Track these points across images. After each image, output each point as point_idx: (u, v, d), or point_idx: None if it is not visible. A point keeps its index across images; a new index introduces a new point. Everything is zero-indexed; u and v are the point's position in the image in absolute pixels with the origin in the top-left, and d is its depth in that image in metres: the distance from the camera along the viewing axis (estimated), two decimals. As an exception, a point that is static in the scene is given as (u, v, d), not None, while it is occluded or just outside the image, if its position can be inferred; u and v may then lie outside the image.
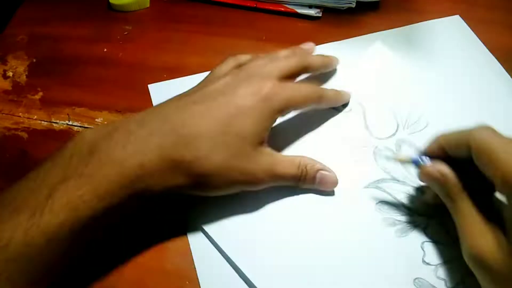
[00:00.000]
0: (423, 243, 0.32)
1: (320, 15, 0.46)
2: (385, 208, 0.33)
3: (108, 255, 0.32)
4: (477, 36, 0.44)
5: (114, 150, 0.27)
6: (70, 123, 0.39)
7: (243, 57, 0.36)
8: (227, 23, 0.46)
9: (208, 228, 0.32)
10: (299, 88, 0.34)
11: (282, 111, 0.32)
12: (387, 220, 0.33)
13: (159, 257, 0.32)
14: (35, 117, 0.40)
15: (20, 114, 0.40)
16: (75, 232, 0.25)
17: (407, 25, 0.45)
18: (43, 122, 0.39)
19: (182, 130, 0.28)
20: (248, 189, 0.31)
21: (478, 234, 0.26)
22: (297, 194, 0.34)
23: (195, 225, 0.33)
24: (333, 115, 0.38)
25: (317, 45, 0.41)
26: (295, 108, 0.33)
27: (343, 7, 0.46)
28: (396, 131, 0.37)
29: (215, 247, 0.32)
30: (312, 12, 0.46)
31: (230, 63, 0.36)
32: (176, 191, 0.29)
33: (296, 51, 0.38)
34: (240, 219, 0.32)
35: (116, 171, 0.26)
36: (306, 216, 0.33)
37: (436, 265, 0.31)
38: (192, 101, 0.30)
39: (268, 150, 0.32)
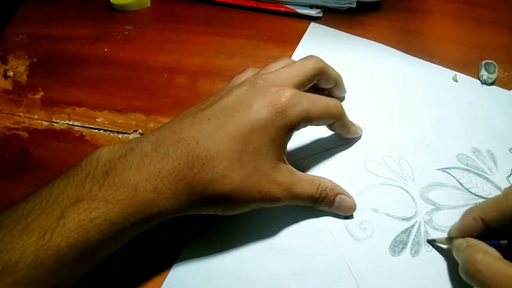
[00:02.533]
0: None
1: (320, 15, 0.46)
2: None
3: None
4: (479, 38, 0.44)
5: (128, 173, 0.27)
6: (71, 123, 0.39)
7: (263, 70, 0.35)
8: (228, 23, 0.46)
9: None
10: (319, 100, 0.32)
11: (298, 123, 0.30)
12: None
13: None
14: (36, 116, 0.40)
15: (21, 113, 0.40)
16: (84, 254, 0.25)
17: (407, 25, 0.45)
18: (43, 122, 0.39)
19: (197, 151, 0.28)
20: (266, 207, 0.30)
21: None
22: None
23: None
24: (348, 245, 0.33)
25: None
26: (312, 122, 0.31)
27: (343, 7, 0.46)
28: (415, 206, 0.34)
29: None
30: (312, 12, 0.46)
31: (249, 73, 0.35)
32: (191, 213, 0.29)
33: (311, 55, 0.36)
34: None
35: (130, 196, 0.26)
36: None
37: None
38: (207, 117, 0.29)
39: (286, 167, 0.31)
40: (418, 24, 0.45)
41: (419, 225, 0.33)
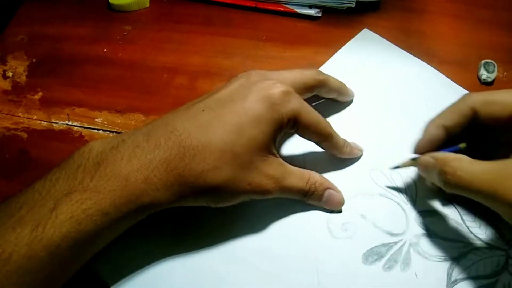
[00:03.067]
0: None
1: (320, 15, 0.46)
2: None
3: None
4: (479, 38, 0.44)
5: (120, 164, 0.27)
6: (70, 123, 0.39)
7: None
8: (227, 23, 0.46)
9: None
10: (312, 110, 0.32)
11: (288, 120, 0.30)
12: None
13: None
14: (35, 117, 0.40)
15: (20, 114, 0.40)
16: (77, 245, 0.25)
17: (406, 25, 0.45)
18: (43, 122, 0.39)
19: (188, 141, 0.28)
20: (256, 199, 0.30)
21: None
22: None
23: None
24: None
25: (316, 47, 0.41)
26: (300, 126, 0.31)
27: (343, 7, 0.46)
28: (406, 221, 0.34)
29: None
30: (312, 12, 0.46)
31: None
32: (182, 204, 0.29)
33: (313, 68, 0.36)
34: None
35: (121, 186, 0.26)
36: None
37: None
38: (202, 108, 0.30)
39: (277, 160, 0.31)
40: (418, 24, 0.45)
41: (403, 244, 0.32)
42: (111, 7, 0.47)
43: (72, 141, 0.38)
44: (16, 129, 0.39)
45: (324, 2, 0.45)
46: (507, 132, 0.29)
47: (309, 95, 0.35)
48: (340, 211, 0.33)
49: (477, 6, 0.46)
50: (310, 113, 0.31)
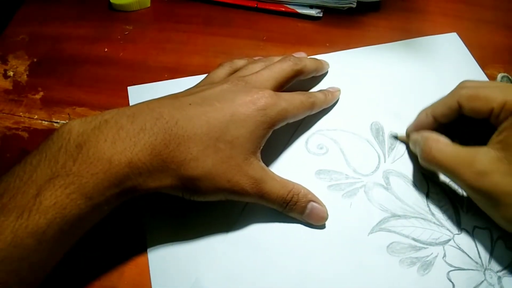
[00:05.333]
0: (448, 273, 0.31)
1: (321, 15, 0.46)
2: (398, 249, 0.32)
3: (108, 255, 0.32)
4: (479, 38, 0.44)
5: (103, 146, 0.26)
6: (71, 123, 0.39)
7: (239, 62, 0.37)
8: (228, 23, 0.46)
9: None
10: (293, 98, 0.33)
11: (277, 121, 0.32)
12: (405, 261, 0.31)
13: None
14: (36, 116, 0.40)
15: (21, 113, 0.40)
16: (63, 230, 0.25)
17: (407, 25, 0.45)
18: (43, 121, 0.39)
19: (175, 130, 0.28)
20: (234, 199, 0.30)
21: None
22: (293, 252, 0.32)
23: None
24: (311, 160, 0.36)
25: (314, 47, 0.41)
26: (289, 119, 0.33)
27: (344, 7, 0.46)
28: (379, 161, 0.36)
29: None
30: (313, 12, 0.46)
31: (226, 68, 0.36)
32: (163, 191, 0.29)
33: (289, 56, 0.37)
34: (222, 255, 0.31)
35: (104, 169, 0.26)
36: (309, 277, 0.31)
37: None
38: (188, 102, 0.30)
39: (259, 164, 0.31)
40: (418, 24, 0.45)
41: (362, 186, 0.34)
42: (112, 7, 0.47)
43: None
44: (17, 129, 0.39)
45: (325, 2, 0.46)
46: (488, 122, 0.31)
47: (289, 84, 0.36)
48: (323, 227, 0.33)
49: (478, 6, 0.47)
50: (294, 103, 0.33)
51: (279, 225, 0.33)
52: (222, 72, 0.36)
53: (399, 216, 0.33)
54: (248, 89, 0.32)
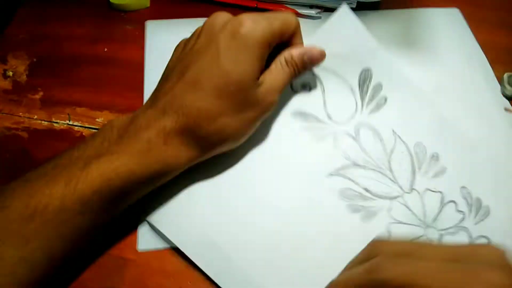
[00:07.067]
0: (388, 225, 0.33)
1: (320, 15, 0.46)
2: (349, 194, 0.34)
3: (108, 255, 0.32)
4: (473, 33, 0.44)
5: (140, 132, 0.29)
6: (71, 123, 0.39)
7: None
8: (228, 23, 0.46)
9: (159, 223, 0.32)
10: (275, 14, 0.33)
11: (266, 41, 0.31)
12: (351, 207, 0.33)
13: (160, 257, 0.32)
14: (36, 117, 0.40)
15: (21, 114, 0.40)
16: (107, 200, 0.28)
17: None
18: (43, 122, 0.39)
19: (188, 103, 0.30)
20: (268, 115, 0.33)
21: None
22: (260, 182, 0.34)
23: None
24: (291, 99, 0.37)
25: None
26: (277, 37, 0.32)
27: (343, 7, 0.46)
28: (355, 112, 0.37)
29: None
30: (312, 12, 0.46)
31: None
32: (205, 157, 0.32)
33: None
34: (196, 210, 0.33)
35: (145, 149, 0.29)
36: (268, 206, 0.33)
37: None
38: (185, 65, 0.31)
39: (264, 77, 0.32)
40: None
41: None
42: (111, 7, 0.47)
43: (73, 141, 0.38)
44: (16, 129, 0.39)
45: (325, 2, 0.46)
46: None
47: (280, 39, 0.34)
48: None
49: (478, 6, 0.47)
50: (277, 19, 0.32)
51: (244, 159, 0.35)
52: (199, 27, 0.34)
53: (359, 165, 0.35)
54: (225, 24, 0.31)
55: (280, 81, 0.33)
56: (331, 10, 0.46)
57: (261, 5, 0.46)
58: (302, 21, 0.41)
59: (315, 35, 0.37)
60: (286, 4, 0.46)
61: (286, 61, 0.33)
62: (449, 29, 0.44)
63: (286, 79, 0.33)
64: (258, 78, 0.32)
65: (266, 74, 0.33)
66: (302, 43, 0.35)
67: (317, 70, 0.37)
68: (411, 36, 0.42)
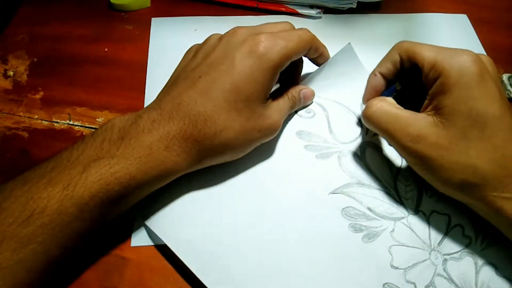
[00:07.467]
0: (390, 247, 0.32)
1: (321, 15, 0.46)
2: (351, 213, 0.33)
3: (108, 255, 0.32)
4: (479, 38, 0.44)
5: (142, 136, 0.29)
6: (71, 122, 0.39)
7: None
8: (228, 23, 0.46)
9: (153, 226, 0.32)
10: (290, 34, 0.33)
11: (280, 62, 0.32)
12: (354, 226, 0.32)
13: (159, 257, 0.32)
14: (36, 116, 0.40)
15: (21, 113, 0.40)
16: (105, 205, 0.28)
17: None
18: (44, 121, 0.39)
19: (196, 109, 0.30)
20: (268, 140, 0.34)
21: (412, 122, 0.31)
22: (261, 195, 0.33)
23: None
24: (296, 121, 0.37)
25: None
26: (292, 57, 0.33)
27: (344, 8, 0.46)
28: (360, 134, 0.36)
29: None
30: (313, 12, 0.46)
31: (218, 34, 0.35)
32: (202, 166, 0.32)
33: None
34: (196, 221, 0.32)
35: (146, 154, 0.29)
36: (268, 220, 0.32)
37: (404, 269, 0.31)
38: (198, 75, 0.31)
39: (272, 102, 0.33)
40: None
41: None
42: (112, 7, 0.47)
43: (73, 140, 0.38)
44: (17, 129, 0.39)
45: (325, 2, 0.46)
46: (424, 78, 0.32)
47: (300, 55, 0.35)
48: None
49: (478, 7, 0.47)
50: (292, 39, 0.32)
51: (246, 171, 0.35)
52: (215, 36, 0.35)
53: (363, 184, 0.34)
54: (244, 39, 0.32)
55: (284, 109, 0.34)
56: (331, 10, 0.46)
57: (261, 5, 0.46)
58: (302, 21, 0.41)
59: (322, 69, 0.38)
60: (286, 4, 0.46)
61: (290, 97, 0.35)
62: (455, 35, 0.43)
63: (288, 111, 0.35)
64: (267, 98, 0.32)
65: (276, 100, 0.34)
66: (324, 50, 0.36)
67: (320, 100, 0.38)
68: (417, 41, 0.42)
